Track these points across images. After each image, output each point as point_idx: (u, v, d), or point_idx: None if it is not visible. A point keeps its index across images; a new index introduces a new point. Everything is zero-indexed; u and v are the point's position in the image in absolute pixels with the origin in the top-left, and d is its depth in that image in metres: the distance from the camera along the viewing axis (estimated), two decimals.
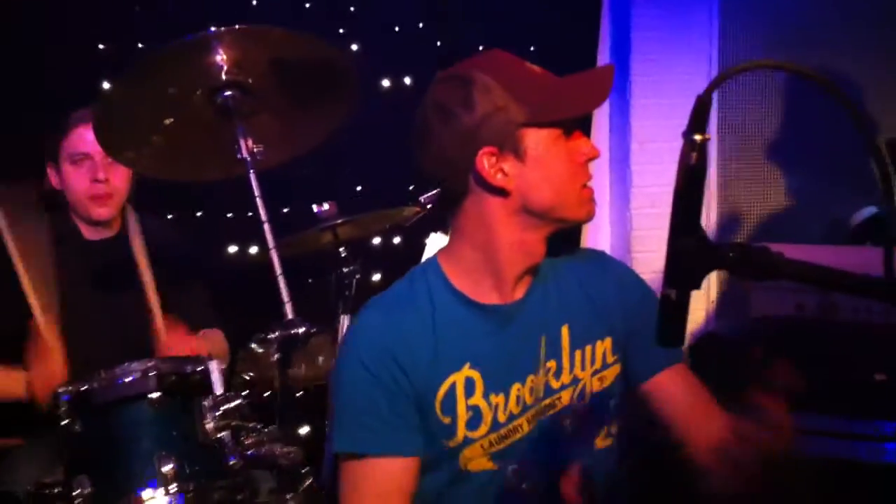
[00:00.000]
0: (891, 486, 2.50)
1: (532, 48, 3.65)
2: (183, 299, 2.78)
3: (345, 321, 2.52)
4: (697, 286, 1.15)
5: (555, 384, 1.71)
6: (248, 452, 2.09)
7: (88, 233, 2.73)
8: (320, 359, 2.74)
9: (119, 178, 2.67)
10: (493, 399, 1.66)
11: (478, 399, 1.66)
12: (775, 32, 3.88)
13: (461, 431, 1.65)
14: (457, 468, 1.67)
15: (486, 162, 1.62)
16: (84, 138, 2.60)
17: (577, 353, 1.73)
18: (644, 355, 1.76)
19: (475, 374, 1.66)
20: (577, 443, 1.72)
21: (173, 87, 2.21)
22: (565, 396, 1.71)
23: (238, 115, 2.21)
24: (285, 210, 2.39)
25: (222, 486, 2.06)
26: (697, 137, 1.14)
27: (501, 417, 1.67)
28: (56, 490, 2.08)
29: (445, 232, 2.79)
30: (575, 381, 1.72)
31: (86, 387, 2.08)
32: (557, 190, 1.64)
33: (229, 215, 3.57)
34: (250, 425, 2.12)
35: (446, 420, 1.65)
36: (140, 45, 3.32)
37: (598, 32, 4.00)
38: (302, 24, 3.64)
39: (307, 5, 3.76)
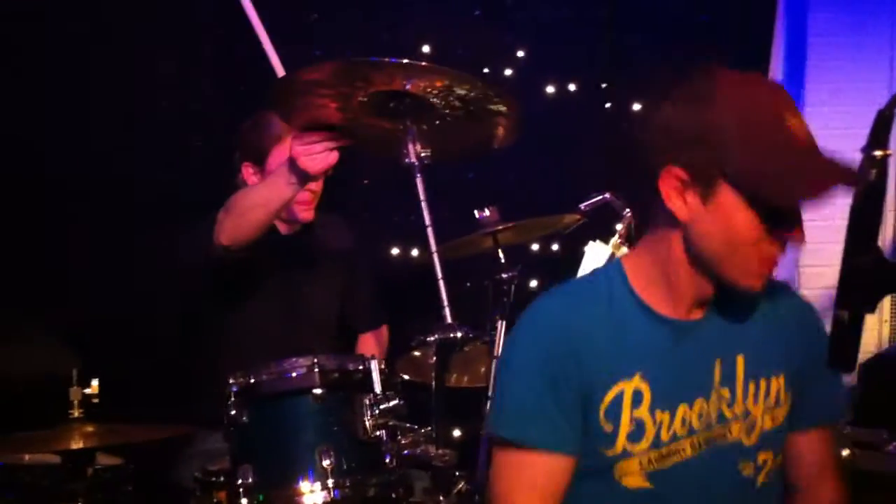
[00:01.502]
0: None
1: (701, 52, 3.57)
2: (358, 292, 2.97)
3: (502, 327, 2.53)
4: (872, 309, 1.11)
5: (728, 413, 1.64)
6: (404, 452, 2.13)
7: (283, 228, 2.87)
8: (476, 365, 2.77)
9: (320, 184, 2.79)
10: (659, 415, 1.61)
11: (643, 412, 1.61)
12: None
13: (621, 442, 1.61)
14: (611, 480, 1.63)
15: (668, 180, 1.54)
16: None
17: (751, 386, 1.65)
18: (808, 405, 1.70)
19: (644, 386, 1.61)
20: (738, 476, 1.66)
21: (355, 94, 2.27)
22: (735, 428, 1.64)
23: (410, 120, 2.25)
24: (447, 214, 2.42)
25: (378, 483, 2.11)
26: (878, 153, 1.09)
27: (664, 436, 1.62)
28: (221, 478, 2.19)
29: (605, 241, 2.78)
30: (746, 413, 1.65)
31: (253, 379, 2.17)
32: (729, 250, 1.54)
33: (391, 217, 3.65)
34: (407, 425, 2.17)
35: (608, 427, 1.61)
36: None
37: (773, 37, 3.88)
38: (470, 30, 3.71)
39: (476, 12, 3.80)
